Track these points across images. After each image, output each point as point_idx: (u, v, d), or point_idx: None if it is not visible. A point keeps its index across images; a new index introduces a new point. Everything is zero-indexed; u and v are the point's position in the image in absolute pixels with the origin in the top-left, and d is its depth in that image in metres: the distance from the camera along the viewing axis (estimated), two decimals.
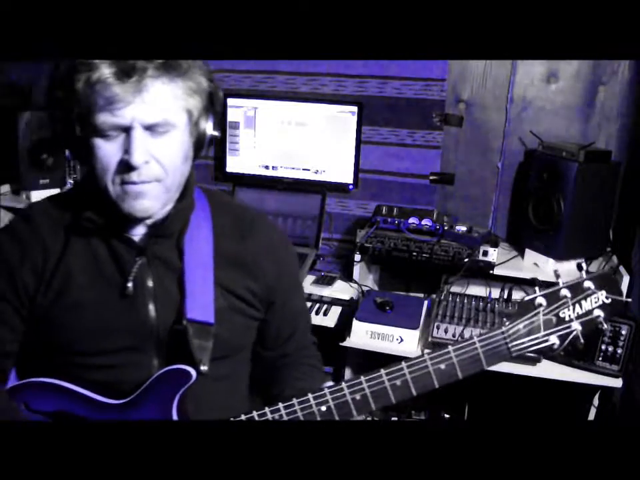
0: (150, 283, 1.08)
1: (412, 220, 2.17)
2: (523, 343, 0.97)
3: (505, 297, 2.15)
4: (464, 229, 2.15)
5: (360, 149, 2.37)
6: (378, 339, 1.96)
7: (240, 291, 1.13)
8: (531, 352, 0.98)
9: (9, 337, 1.09)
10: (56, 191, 2.63)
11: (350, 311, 2.11)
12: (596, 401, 2.10)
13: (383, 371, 0.98)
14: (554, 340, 0.97)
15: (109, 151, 0.98)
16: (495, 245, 2.09)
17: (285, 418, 1.00)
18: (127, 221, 1.06)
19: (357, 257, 2.25)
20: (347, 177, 2.41)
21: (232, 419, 1.03)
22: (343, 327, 2.04)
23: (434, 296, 2.17)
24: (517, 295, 2.18)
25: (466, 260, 2.08)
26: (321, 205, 2.41)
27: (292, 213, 2.44)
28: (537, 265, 2.13)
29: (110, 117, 0.95)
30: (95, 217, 1.05)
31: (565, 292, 0.97)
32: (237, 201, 1.38)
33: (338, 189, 2.46)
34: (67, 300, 1.06)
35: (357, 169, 2.39)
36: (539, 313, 0.97)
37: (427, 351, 0.99)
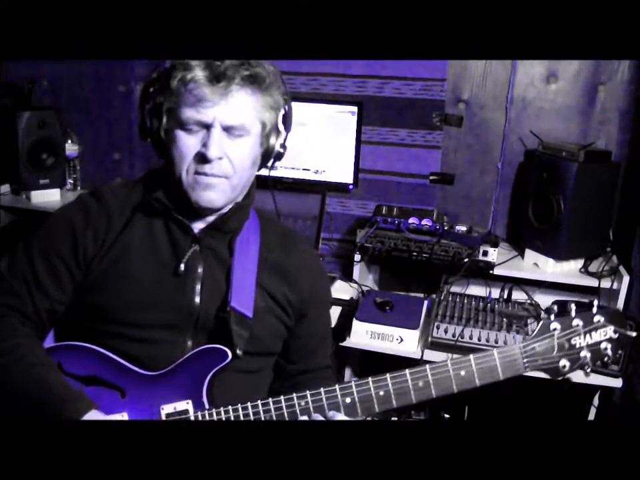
0: (200, 269, 1.17)
1: (412, 220, 2.17)
2: (536, 361, 1.07)
3: (505, 296, 2.15)
4: (464, 228, 2.14)
5: (360, 149, 2.37)
6: (378, 339, 1.96)
7: (278, 296, 1.23)
8: (542, 370, 1.08)
9: (59, 297, 1.16)
10: (56, 191, 2.66)
11: (350, 310, 2.10)
12: (596, 401, 2.10)
13: (407, 371, 1.06)
14: (564, 362, 1.07)
15: (189, 143, 1.09)
16: (495, 245, 2.09)
17: (311, 406, 1.06)
18: (191, 210, 1.15)
19: (357, 256, 2.24)
20: (347, 177, 2.41)
21: (260, 401, 1.09)
22: (343, 327, 2.04)
23: (434, 296, 2.17)
24: (517, 295, 2.18)
25: (466, 260, 2.07)
26: (320, 205, 2.41)
27: (292, 213, 2.44)
28: (537, 265, 2.13)
29: (195, 113, 1.07)
30: (164, 198, 1.16)
31: (577, 321, 1.07)
32: (280, 221, 1.57)
33: (338, 188, 2.46)
34: (120, 270, 1.14)
35: (357, 169, 2.39)
36: (554, 335, 1.07)
37: (449, 356, 1.08)
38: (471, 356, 1.06)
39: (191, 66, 1.04)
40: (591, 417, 2.12)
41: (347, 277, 2.36)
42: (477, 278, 2.22)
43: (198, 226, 1.19)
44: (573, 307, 1.08)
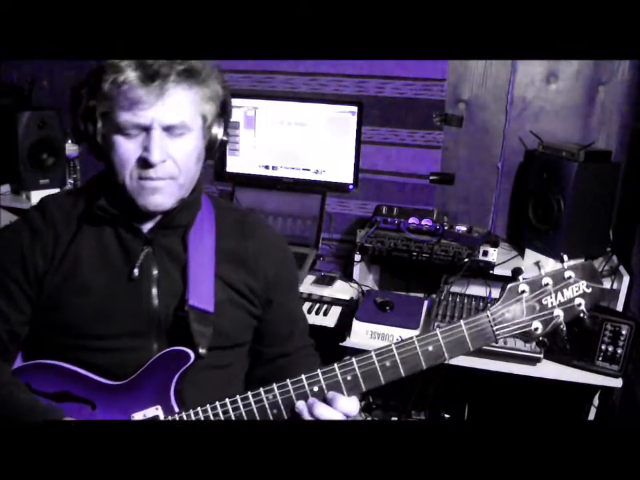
0: (155, 271, 1.14)
1: (412, 220, 2.17)
2: (507, 326, 1.02)
3: None
4: (464, 228, 2.15)
5: (360, 149, 2.37)
6: (378, 339, 1.96)
7: (239, 286, 1.19)
8: (515, 335, 1.03)
9: (17, 318, 1.13)
10: (56, 191, 2.66)
11: (350, 311, 2.11)
12: (596, 401, 2.10)
13: (373, 352, 1.02)
14: (537, 325, 1.01)
15: (129, 148, 1.05)
16: (495, 245, 2.09)
17: (279, 398, 1.04)
18: (137, 213, 1.12)
19: (357, 256, 2.25)
20: (347, 177, 2.41)
21: (228, 399, 1.06)
22: (343, 327, 2.04)
23: (434, 296, 2.17)
24: None
25: (466, 260, 2.08)
26: (320, 205, 2.41)
27: (292, 213, 2.44)
28: (537, 265, 2.12)
29: (132, 116, 1.02)
30: (109, 207, 1.12)
31: (546, 280, 1.01)
32: (237, 206, 1.45)
33: (338, 188, 2.46)
34: (74, 283, 1.12)
35: (357, 169, 2.39)
36: (522, 299, 1.02)
37: (415, 333, 1.03)
38: (437, 330, 1.02)
39: (122, 67, 0.99)
40: (591, 416, 2.12)
41: (347, 277, 2.36)
42: (477, 278, 2.22)
43: (147, 226, 1.15)
44: (542, 265, 1.05)
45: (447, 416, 2.36)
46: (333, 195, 2.49)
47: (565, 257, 1.03)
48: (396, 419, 2.37)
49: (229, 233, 1.22)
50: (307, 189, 2.44)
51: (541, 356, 1.88)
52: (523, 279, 1.03)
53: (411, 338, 1.02)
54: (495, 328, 1.01)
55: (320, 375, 1.04)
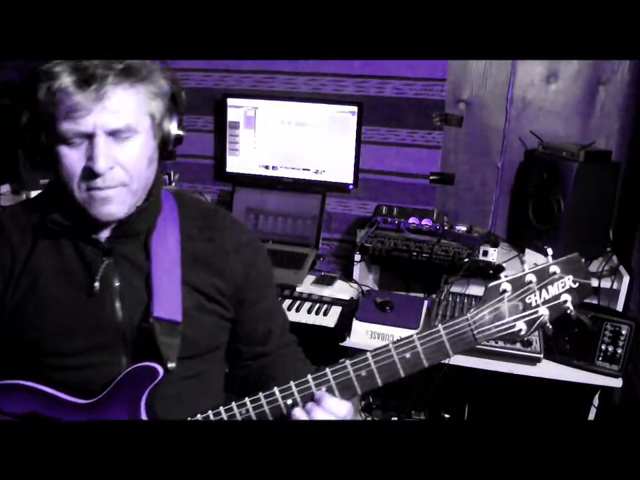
0: (116, 283, 1.09)
1: (412, 220, 2.17)
2: (488, 329, 0.96)
3: None
4: (464, 229, 2.15)
5: (360, 149, 2.37)
6: (378, 339, 1.96)
7: (208, 290, 1.14)
8: (497, 338, 0.98)
9: None
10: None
11: (350, 311, 2.10)
12: (596, 401, 2.10)
13: (348, 362, 0.99)
14: (521, 325, 0.96)
15: (73, 158, 0.99)
16: (495, 245, 2.09)
17: (252, 413, 1.02)
18: (94, 224, 1.07)
19: (357, 256, 2.25)
20: (347, 177, 2.41)
21: (200, 415, 1.04)
22: (343, 327, 2.04)
23: (434, 296, 2.17)
24: None
25: (466, 260, 2.08)
26: (320, 205, 2.41)
27: (292, 213, 2.44)
28: (537, 265, 2.12)
29: (72, 124, 0.96)
30: (62, 219, 1.07)
31: (530, 277, 0.96)
32: (203, 202, 1.35)
33: (338, 188, 2.46)
34: (35, 299, 1.08)
35: (357, 169, 2.39)
36: (503, 299, 0.96)
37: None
38: (415, 336, 0.97)
39: (56, 73, 0.93)
40: (591, 416, 2.12)
41: (347, 277, 2.36)
42: (477, 278, 2.21)
43: (106, 233, 1.10)
44: (525, 261, 0.98)
45: (447, 416, 2.36)
46: (333, 195, 2.49)
47: (550, 251, 0.97)
48: (396, 418, 2.37)
49: (194, 234, 1.16)
50: (307, 189, 2.44)
51: (541, 356, 1.88)
52: (505, 276, 0.97)
53: (387, 345, 0.98)
54: (475, 332, 0.96)
55: (294, 387, 1.00)
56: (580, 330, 1.87)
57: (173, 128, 1.09)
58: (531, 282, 0.95)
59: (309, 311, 2.11)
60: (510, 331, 0.96)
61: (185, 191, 1.24)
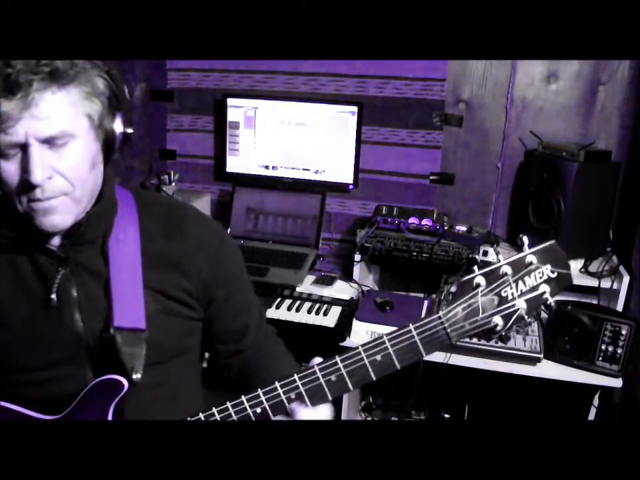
0: (74, 293, 1.04)
1: (412, 220, 2.17)
2: (462, 327, 0.91)
3: None
4: (464, 229, 2.15)
5: (360, 149, 2.38)
6: None
7: (173, 292, 1.09)
8: (473, 335, 0.92)
9: None
10: None
11: (350, 310, 2.11)
12: (596, 401, 2.10)
13: (316, 367, 0.95)
14: (497, 321, 0.90)
15: (9, 170, 0.93)
16: (495, 245, 2.09)
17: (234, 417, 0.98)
18: (41, 234, 1.02)
19: (357, 256, 2.25)
20: (347, 177, 2.41)
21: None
22: (343, 327, 2.04)
23: (434, 296, 2.17)
24: None
25: (466, 260, 2.08)
26: (320, 205, 2.41)
27: (292, 213, 2.44)
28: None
29: (3, 136, 0.89)
30: (8, 232, 1.02)
31: (505, 269, 0.90)
32: (165, 198, 1.28)
33: (338, 188, 2.46)
34: None
35: (357, 169, 2.40)
36: (477, 293, 0.90)
37: (361, 343, 0.94)
38: (385, 337, 0.92)
39: None
40: (591, 416, 2.12)
41: (347, 277, 2.36)
42: None
43: (60, 241, 1.04)
44: (501, 258, 0.91)
45: (447, 416, 2.36)
46: (333, 195, 2.49)
47: (525, 240, 0.92)
48: (396, 419, 2.37)
49: (155, 233, 1.09)
50: (307, 189, 2.44)
51: (541, 356, 1.88)
52: (479, 269, 0.91)
53: (357, 348, 0.93)
54: (449, 330, 0.90)
55: (262, 395, 0.96)
56: (580, 330, 1.87)
57: (116, 126, 1.01)
58: (506, 274, 0.90)
59: (309, 311, 2.11)
60: (486, 327, 0.90)
61: (144, 189, 1.13)
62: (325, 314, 2.11)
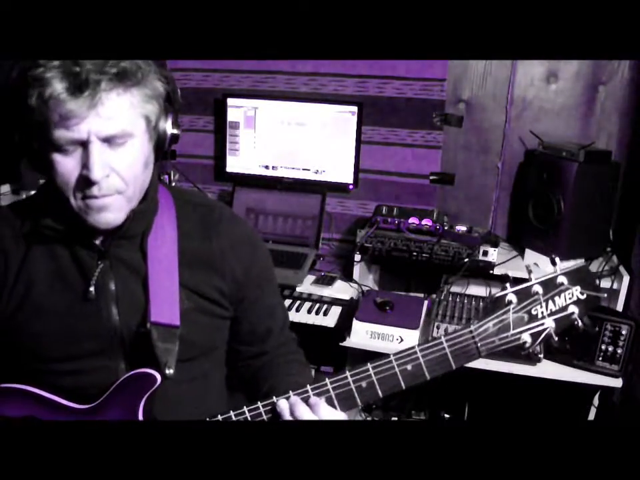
0: (112, 287, 1.07)
1: (412, 220, 2.17)
2: (492, 342, 0.94)
3: None
4: (464, 229, 2.15)
5: (360, 149, 2.37)
6: (378, 339, 1.96)
7: (207, 291, 1.12)
8: (502, 350, 0.96)
9: None
10: None
11: (350, 310, 2.11)
12: (596, 401, 2.10)
13: (348, 373, 0.97)
14: (526, 338, 0.93)
15: (68, 166, 0.96)
16: (495, 245, 2.09)
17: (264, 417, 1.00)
18: (90, 230, 1.04)
19: (357, 256, 2.25)
20: (347, 177, 2.41)
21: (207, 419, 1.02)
22: (343, 327, 2.04)
23: (434, 296, 2.17)
24: None
25: (466, 260, 2.08)
26: (320, 205, 2.41)
27: (292, 213, 2.44)
28: (537, 264, 2.13)
29: (66, 132, 0.92)
30: (55, 224, 1.05)
31: (536, 288, 0.93)
32: (202, 198, 1.30)
33: (338, 188, 2.46)
34: (30, 306, 1.06)
35: (357, 169, 2.39)
36: (509, 310, 0.93)
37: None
38: (417, 347, 0.95)
39: (47, 80, 0.89)
40: (591, 417, 2.12)
41: (347, 277, 2.36)
42: (477, 278, 2.22)
43: (100, 238, 1.07)
44: (532, 270, 0.94)
45: (447, 416, 2.36)
46: (333, 195, 2.49)
47: (557, 260, 0.94)
48: (396, 419, 2.37)
49: (192, 232, 1.13)
50: (307, 189, 2.44)
51: (541, 356, 1.88)
52: (511, 286, 0.94)
53: (388, 356, 0.96)
54: (479, 344, 0.94)
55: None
56: (580, 330, 1.87)
57: (168, 127, 1.06)
58: (537, 293, 0.93)
59: (309, 311, 2.11)
60: (515, 343, 0.94)
61: (182, 187, 1.17)
62: (325, 314, 2.11)
